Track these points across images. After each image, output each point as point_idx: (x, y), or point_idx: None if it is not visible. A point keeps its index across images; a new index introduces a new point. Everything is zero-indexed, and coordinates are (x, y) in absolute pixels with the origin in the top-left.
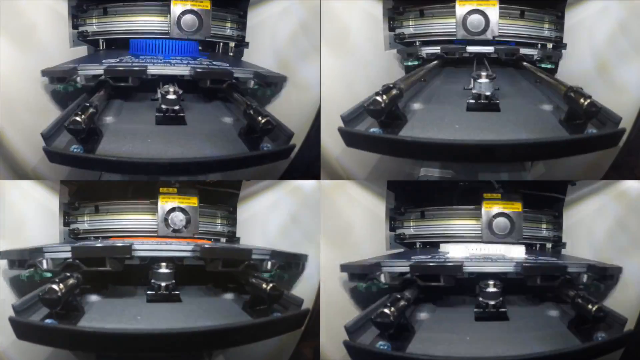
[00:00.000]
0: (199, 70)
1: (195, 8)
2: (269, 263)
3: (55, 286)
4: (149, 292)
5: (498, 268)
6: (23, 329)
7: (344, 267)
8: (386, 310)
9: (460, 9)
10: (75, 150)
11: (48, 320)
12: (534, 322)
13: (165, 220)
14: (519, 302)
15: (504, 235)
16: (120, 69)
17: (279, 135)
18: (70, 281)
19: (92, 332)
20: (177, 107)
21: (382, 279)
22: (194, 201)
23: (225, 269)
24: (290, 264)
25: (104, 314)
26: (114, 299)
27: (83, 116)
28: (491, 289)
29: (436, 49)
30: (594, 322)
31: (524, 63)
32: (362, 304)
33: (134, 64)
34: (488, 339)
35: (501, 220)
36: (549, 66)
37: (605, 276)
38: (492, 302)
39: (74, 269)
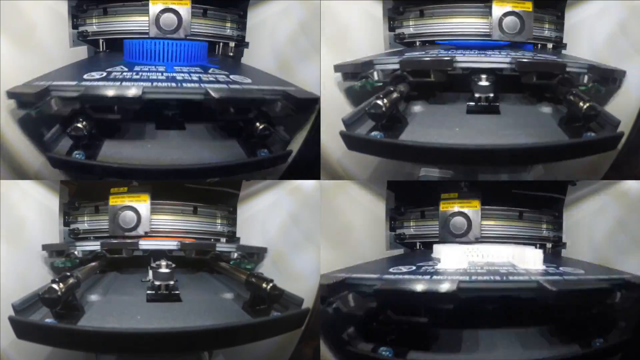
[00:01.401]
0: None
1: (174, 6)
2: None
3: (55, 285)
4: (148, 292)
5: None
6: (23, 329)
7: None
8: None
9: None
10: (77, 156)
11: (48, 320)
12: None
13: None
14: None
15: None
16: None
17: (276, 140)
18: (70, 281)
19: (92, 332)
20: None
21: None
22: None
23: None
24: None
25: (104, 314)
26: (114, 300)
27: (84, 122)
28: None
29: None
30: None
31: None
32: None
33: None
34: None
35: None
36: None
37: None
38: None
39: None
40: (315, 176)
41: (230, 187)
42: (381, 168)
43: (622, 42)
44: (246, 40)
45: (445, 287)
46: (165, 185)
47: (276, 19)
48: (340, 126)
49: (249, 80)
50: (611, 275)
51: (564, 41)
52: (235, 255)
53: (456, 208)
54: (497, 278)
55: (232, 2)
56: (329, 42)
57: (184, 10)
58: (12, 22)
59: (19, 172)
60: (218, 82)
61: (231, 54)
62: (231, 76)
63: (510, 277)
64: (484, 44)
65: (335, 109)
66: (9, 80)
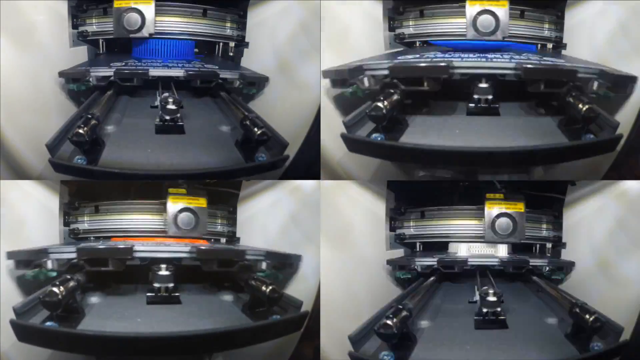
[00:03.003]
0: (191, 72)
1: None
2: (264, 263)
3: (55, 289)
4: (148, 293)
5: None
6: (24, 332)
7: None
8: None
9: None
10: (78, 161)
11: (49, 323)
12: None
13: (175, 220)
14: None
15: (506, 236)
16: (127, 71)
17: (274, 144)
18: (71, 283)
19: (93, 335)
20: (176, 116)
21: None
22: (202, 202)
23: (222, 269)
24: (284, 264)
25: (104, 316)
26: (114, 301)
27: (86, 128)
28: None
29: None
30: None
31: None
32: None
33: (138, 67)
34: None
35: (504, 220)
36: None
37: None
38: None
39: (77, 269)
40: (315, 176)
41: (231, 187)
42: (382, 169)
43: (622, 42)
44: (246, 40)
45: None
46: None
47: (276, 19)
48: (340, 127)
49: (217, 67)
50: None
51: (564, 41)
52: (264, 265)
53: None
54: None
55: (232, 2)
56: (329, 42)
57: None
58: (12, 22)
59: (19, 172)
60: (194, 67)
61: (231, 54)
62: (205, 65)
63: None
64: (485, 45)
65: (335, 110)
66: (9, 80)
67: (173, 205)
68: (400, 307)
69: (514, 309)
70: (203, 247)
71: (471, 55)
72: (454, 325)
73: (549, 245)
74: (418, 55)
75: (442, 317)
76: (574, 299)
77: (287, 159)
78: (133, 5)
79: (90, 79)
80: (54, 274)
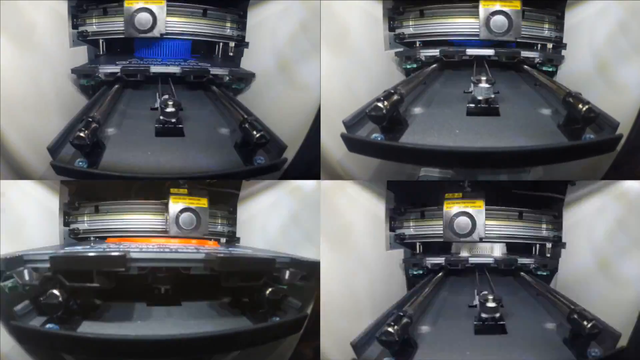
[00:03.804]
0: (186, 69)
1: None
2: (287, 272)
3: (56, 291)
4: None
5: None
6: (24, 334)
7: None
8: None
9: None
10: (80, 164)
11: (49, 325)
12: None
13: (176, 220)
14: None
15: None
16: (131, 68)
17: (272, 147)
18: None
19: (93, 338)
20: (176, 118)
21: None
22: (203, 202)
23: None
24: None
25: (104, 319)
26: (114, 304)
27: (87, 131)
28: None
29: (435, 52)
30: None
31: (525, 66)
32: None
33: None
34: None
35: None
36: (550, 69)
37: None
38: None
39: (54, 283)
40: (315, 176)
41: (231, 187)
42: (382, 169)
43: (622, 42)
44: (246, 40)
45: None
46: None
47: (276, 19)
48: (340, 127)
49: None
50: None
51: (564, 41)
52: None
53: (458, 208)
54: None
55: (232, 2)
56: (329, 42)
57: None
58: (12, 22)
59: (19, 172)
60: (189, 64)
61: (231, 54)
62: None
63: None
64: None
65: (335, 110)
66: (9, 81)
67: (174, 205)
68: (401, 314)
69: (513, 314)
70: (220, 254)
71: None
72: (454, 330)
73: (548, 245)
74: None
75: (442, 321)
76: (573, 304)
77: (286, 161)
78: (144, 5)
79: (99, 75)
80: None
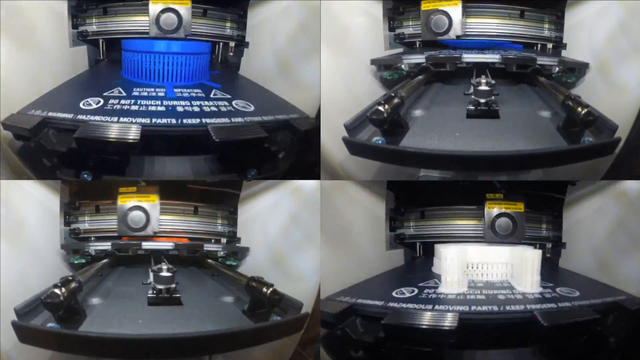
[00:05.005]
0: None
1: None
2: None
3: (57, 290)
4: (149, 295)
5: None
6: (25, 333)
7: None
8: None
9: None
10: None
11: (50, 324)
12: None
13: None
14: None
15: (506, 236)
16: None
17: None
18: (72, 285)
19: (94, 337)
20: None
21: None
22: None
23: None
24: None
25: (105, 318)
26: (115, 302)
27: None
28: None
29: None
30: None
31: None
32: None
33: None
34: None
35: (503, 220)
36: (570, 80)
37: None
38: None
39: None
40: (316, 176)
41: (231, 188)
42: (382, 170)
43: (622, 42)
44: (246, 40)
45: (447, 322)
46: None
47: (276, 19)
48: (340, 126)
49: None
50: (605, 299)
51: (564, 41)
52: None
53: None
54: (495, 308)
55: (232, 2)
56: (329, 42)
57: (184, 9)
58: (12, 22)
59: (19, 172)
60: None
61: (231, 54)
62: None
63: (507, 307)
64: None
65: (335, 110)
66: (9, 80)
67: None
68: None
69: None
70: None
71: None
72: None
73: (548, 245)
74: None
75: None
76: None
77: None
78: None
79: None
80: None
